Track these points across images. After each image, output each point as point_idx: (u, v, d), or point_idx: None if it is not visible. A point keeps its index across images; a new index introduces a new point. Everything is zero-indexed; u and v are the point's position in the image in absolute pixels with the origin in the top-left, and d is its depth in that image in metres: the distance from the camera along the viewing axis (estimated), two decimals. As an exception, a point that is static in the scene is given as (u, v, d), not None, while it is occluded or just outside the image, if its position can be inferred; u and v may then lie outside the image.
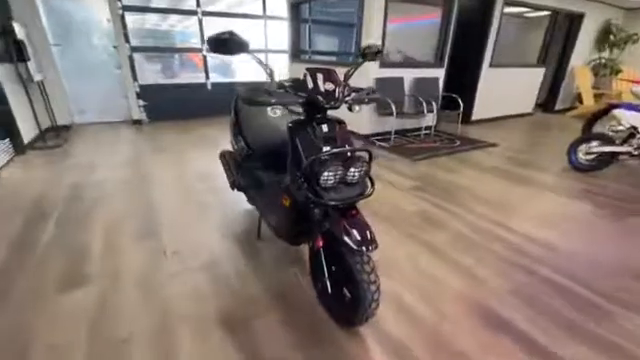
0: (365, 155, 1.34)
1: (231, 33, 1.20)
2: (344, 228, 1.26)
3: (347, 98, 1.42)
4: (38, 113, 4.11)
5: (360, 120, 4.61)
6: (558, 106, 7.29)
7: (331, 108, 1.34)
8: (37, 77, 4.02)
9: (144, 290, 1.68)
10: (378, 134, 4.63)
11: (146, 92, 5.33)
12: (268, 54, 6.28)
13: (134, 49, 5.07)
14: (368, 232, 1.27)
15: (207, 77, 5.81)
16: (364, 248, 1.22)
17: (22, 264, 1.87)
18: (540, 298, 1.69)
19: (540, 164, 3.80)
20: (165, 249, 2.03)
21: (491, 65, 5.55)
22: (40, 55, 4.35)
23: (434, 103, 4.50)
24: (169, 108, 5.56)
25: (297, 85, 1.35)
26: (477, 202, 2.75)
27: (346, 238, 1.23)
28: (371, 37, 4.11)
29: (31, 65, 3.83)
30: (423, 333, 1.47)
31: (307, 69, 1.33)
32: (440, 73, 4.96)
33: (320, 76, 1.32)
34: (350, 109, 1.49)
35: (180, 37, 5.83)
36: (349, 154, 1.33)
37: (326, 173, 1.23)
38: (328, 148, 1.32)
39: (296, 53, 6.18)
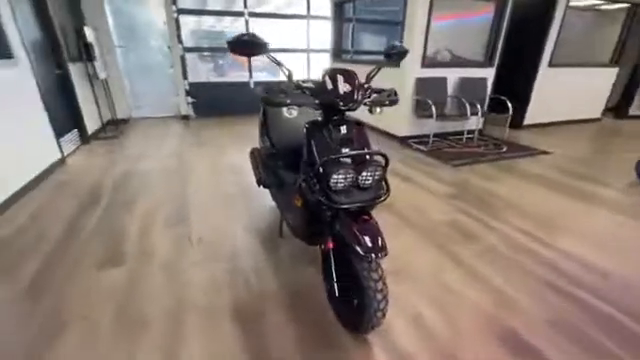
0: (380, 159, 1.30)
1: (251, 35, 1.23)
2: (353, 233, 1.23)
3: (366, 100, 1.38)
4: (101, 107, 4.58)
5: (397, 121, 4.48)
6: (633, 111, 6.41)
7: (348, 110, 1.31)
8: (102, 75, 4.49)
9: (168, 274, 1.79)
10: (416, 136, 4.45)
11: (194, 90, 5.69)
12: (310, 54, 6.34)
13: (186, 49, 5.43)
14: (379, 239, 1.23)
15: (250, 76, 6.03)
16: (373, 255, 1.18)
17: (72, 242, 2.10)
18: (581, 329, 1.50)
19: (600, 177, 3.37)
20: (191, 236, 2.15)
21: (551, 64, 5.04)
22: (105, 56, 4.85)
23: (479, 105, 4.21)
24: (215, 105, 5.88)
25: (316, 86, 1.34)
26: (518, 215, 2.52)
27: (354, 243, 1.20)
28: (414, 35, 3.96)
29: (97, 64, 4.29)
30: (434, 349, 1.38)
31: (326, 70, 1.32)
32: (489, 73, 4.62)
33: (339, 78, 1.30)
34: (371, 111, 1.45)
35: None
36: (365, 157, 1.29)
37: (335, 176, 1.20)
38: (345, 150, 1.29)
39: (338, 53, 6.17)
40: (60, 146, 3.38)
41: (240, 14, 5.63)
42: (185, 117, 5.73)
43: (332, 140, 1.32)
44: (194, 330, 1.45)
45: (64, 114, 3.73)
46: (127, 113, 5.48)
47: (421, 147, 4.19)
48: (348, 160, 1.26)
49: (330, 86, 1.29)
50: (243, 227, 2.29)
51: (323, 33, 6.17)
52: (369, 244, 1.20)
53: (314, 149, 1.32)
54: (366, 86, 1.40)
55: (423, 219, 2.44)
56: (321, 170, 1.24)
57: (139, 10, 5.41)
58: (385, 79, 4.71)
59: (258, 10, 5.80)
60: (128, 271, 1.82)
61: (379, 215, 2.37)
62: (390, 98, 1.47)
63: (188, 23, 5.36)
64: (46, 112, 3.15)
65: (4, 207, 2.45)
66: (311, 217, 1.47)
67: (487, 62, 4.59)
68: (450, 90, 4.44)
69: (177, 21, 5.21)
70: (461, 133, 4.51)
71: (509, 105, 4.40)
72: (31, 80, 3.00)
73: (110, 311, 1.54)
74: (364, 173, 1.24)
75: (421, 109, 4.21)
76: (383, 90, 1.51)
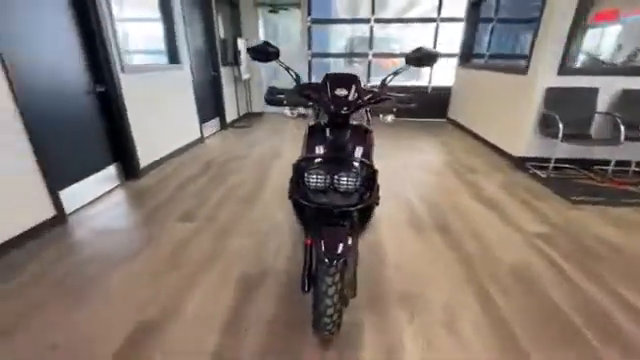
0: (357, 167, 1.25)
1: (265, 43, 1.41)
2: (319, 233, 1.26)
3: (367, 106, 1.35)
4: (240, 102, 5.73)
5: (513, 137, 3.76)
6: None
7: (340, 114, 1.32)
8: (245, 77, 5.60)
9: (216, 238, 2.21)
10: (538, 159, 3.62)
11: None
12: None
13: (313, 55, 6.08)
14: (340, 245, 1.21)
15: (368, 80, 6.20)
16: (326, 259, 1.19)
17: (177, 195, 2.83)
18: None
19: None
20: (251, 211, 2.55)
21: None
22: (250, 61, 5.98)
23: (647, 128, 3.05)
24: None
25: (317, 88, 1.40)
26: (635, 282, 1.79)
27: (317, 243, 1.23)
28: (549, 33, 3.22)
29: (242, 68, 5.38)
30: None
31: (327, 74, 1.37)
32: (681, 85, 3.26)
33: (336, 81, 1.33)
34: (379, 117, 1.40)
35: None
36: (345, 161, 1.28)
37: (307, 174, 1.25)
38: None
39: (467, 57, 5.58)
40: (202, 129, 4.47)
41: (366, 21, 5.86)
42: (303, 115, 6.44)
43: (325, 141, 1.36)
44: (210, 285, 1.77)
45: (210, 105, 4.89)
46: (261, 108, 6.61)
47: (540, 173, 3.40)
48: (327, 162, 1.28)
49: (327, 89, 1.33)
50: (284, 211, 2.52)
51: (449, 36, 5.70)
52: (329, 247, 1.20)
53: (306, 148, 1.39)
54: (369, 91, 1.37)
55: (484, 254, 2.06)
56: (297, 167, 1.31)
57: (285, 22, 6.39)
58: (503, 86, 4.03)
59: (385, 16, 5.89)
60: (194, 228, 2.34)
61: (428, 236, 2.14)
62: (401, 105, 1.37)
63: (345, 32, 5.90)
64: (196, 102, 4.24)
65: (160, 162, 3.53)
66: (300, 213, 1.54)
67: (679, 69, 3.24)
68: (601, 105, 3.38)
69: (309, 30, 5.89)
70: (608, 162, 3.38)
71: None
72: (189, 79, 4.10)
73: (169, 251, 2.06)
74: (336, 176, 1.23)
75: (549, 126, 3.40)
76: (394, 96, 1.42)
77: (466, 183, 3.19)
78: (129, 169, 3.11)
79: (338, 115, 1.35)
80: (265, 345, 1.40)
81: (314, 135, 1.41)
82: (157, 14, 3.56)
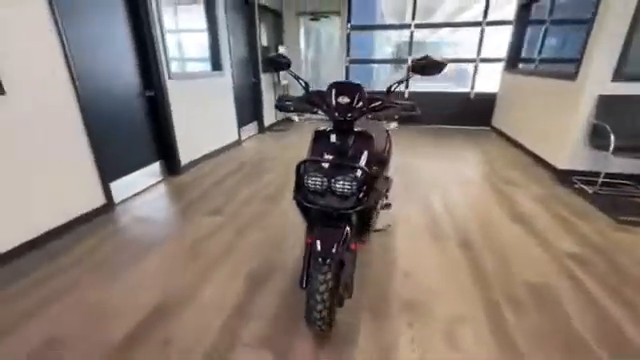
0: (358, 173, 1.30)
1: (278, 55, 1.53)
2: (315, 233, 1.32)
3: (370, 114, 1.39)
4: (279, 106, 5.98)
5: (557, 148, 3.47)
6: None
7: (343, 120, 1.38)
8: (284, 82, 5.84)
9: (238, 232, 2.37)
10: (586, 173, 3.30)
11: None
12: (479, 64, 5.70)
13: (351, 61, 6.15)
14: (334, 245, 1.26)
15: (407, 87, 6.11)
16: (320, 258, 1.25)
17: (210, 191, 3.06)
18: None
19: None
20: (274, 209, 2.68)
21: None
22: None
23: None
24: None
25: (323, 96, 1.47)
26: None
27: (313, 242, 1.29)
28: (606, 37, 2.94)
29: (281, 74, 5.63)
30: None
31: (332, 82, 1.43)
32: None
33: (340, 89, 1.39)
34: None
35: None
36: (344, 166, 1.33)
37: (307, 176, 1.32)
38: (330, 157, 1.38)
39: (514, 62, 5.26)
40: (240, 132, 4.76)
41: (406, 26, 5.79)
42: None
43: (328, 146, 1.42)
44: (221, 278, 1.92)
45: (249, 109, 5.18)
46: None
47: (587, 188, 3.10)
48: (326, 165, 1.34)
49: (331, 97, 1.39)
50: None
51: (494, 41, 5.41)
52: (323, 247, 1.26)
53: (310, 152, 1.47)
54: (373, 99, 1.41)
55: (500, 270, 1.96)
56: (301, 170, 1.38)
57: (325, 29, 6.55)
58: (549, 93, 3.73)
59: (434, 20, 5.78)
60: (220, 221, 2.53)
61: (446, 246, 2.08)
62: (404, 113, 1.39)
63: (393, 37, 5.92)
64: (235, 107, 4.54)
65: (199, 161, 3.84)
66: (304, 214, 1.60)
67: None
68: (667, 115, 3.00)
69: (348, 36, 5.98)
70: (674, 181, 2.97)
71: None
72: (230, 85, 4.41)
73: (192, 240, 2.26)
74: (333, 180, 1.29)
75: (600, 138, 3.09)
76: (400, 103, 1.44)
77: (500, 195, 3.02)
78: (171, 166, 3.43)
79: (341, 121, 1.42)
80: (263, 335, 1.49)
81: (318, 140, 1.48)
82: (203, 25, 3.90)
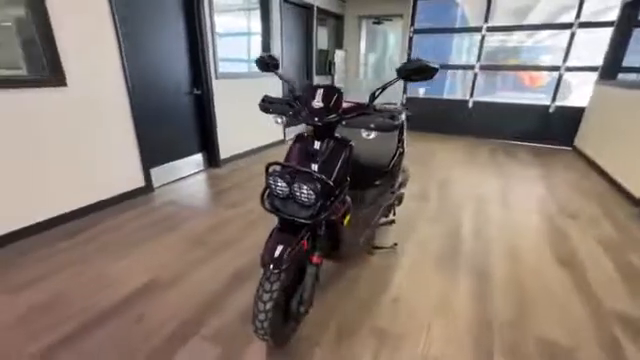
0: (317, 183, 1.21)
1: (269, 56, 1.53)
2: (270, 238, 1.28)
3: (344, 120, 1.29)
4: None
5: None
6: None
7: (320, 126, 1.32)
8: (337, 85, 5.83)
9: (248, 226, 2.44)
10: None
11: (410, 104, 6.03)
12: (565, 72, 4.87)
13: (411, 66, 5.84)
14: (282, 253, 1.20)
15: (471, 95, 5.54)
16: (266, 265, 1.21)
17: (233, 187, 3.23)
18: None
19: None
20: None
21: None
22: (347, 71, 6.18)
23: None
24: (424, 120, 5.95)
25: (302, 99, 1.41)
26: None
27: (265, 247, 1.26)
28: None
29: (335, 77, 5.63)
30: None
31: (310, 85, 1.37)
32: None
33: (316, 92, 1.32)
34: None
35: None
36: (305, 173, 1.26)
37: (270, 180, 1.29)
38: (309, 163, 1.33)
39: (612, 71, 4.36)
40: (285, 132, 4.91)
41: (477, 29, 5.26)
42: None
43: (299, 152, 1.37)
44: (224, 254, 2.00)
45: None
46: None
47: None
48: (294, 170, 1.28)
49: (307, 100, 1.33)
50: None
51: (584, 46, 4.54)
52: (269, 253, 1.21)
53: (285, 155, 1.43)
54: (353, 106, 1.31)
55: (514, 319, 1.63)
56: (266, 173, 1.35)
57: (388, 32, 6.35)
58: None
59: (505, 23, 5.16)
60: (233, 215, 2.64)
61: (455, 276, 1.88)
62: (380, 122, 1.26)
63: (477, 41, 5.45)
64: (283, 107, 4.70)
65: (237, 157, 4.08)
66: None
67: None
68: None
69: (410, 40, 5.68)
70: None
71: None
72: (279, 86, 4.57)
73: (204, 228, 2.40)
74: (294, 186, 1.23)
75: None
76: (382, 111, 1.31)
77: (554, 229, 2.53)
78: (212, 158, 3.72)
79: (318, 127, 1.35)
80: (224, 331, 1.50)
81: (295, 144, 1.43)
82: (255, 28, 4.12)
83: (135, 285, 1.79)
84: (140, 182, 2.89)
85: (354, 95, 6.49)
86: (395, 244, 2.20)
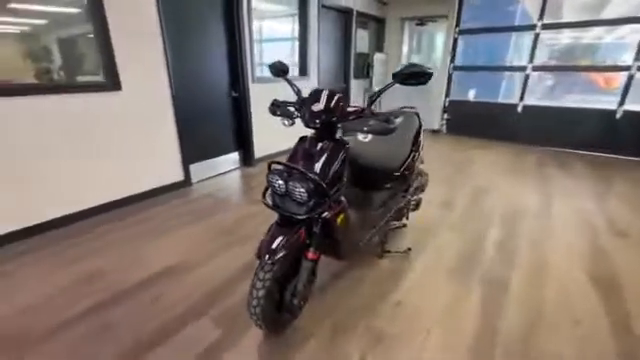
0: (309, 184, 1.28)
1: (279, 62, 1.64)
2: (268, 232, 1.37)
3: (339, 123, 1.34)
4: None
5: None
6: None
7: (319, 128, 1.38)
8: (376, 88, 5.78)
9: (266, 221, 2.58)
10: None
11: (452, 107, 5.78)
12: (637, 72, 4.31)
13: (455, 68, 5.59)
14: (276, 247, 1.29)
15: (521, 98, 5.14)
16: (260, 256, 1.30)
17: (260, 185, 3.39)
18: None
19: None
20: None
21: None
22: (385, 73, 6.09)
23: None
24: (469, 124, 5.65)
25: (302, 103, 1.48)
26: None
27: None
28: None
29: (374, 81, 5.61)
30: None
31: (315, 89, 1.44)
32: None
33: (316, 96, 1.39)
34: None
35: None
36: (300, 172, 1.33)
37: (270, 176, 1.38)
38: (301, 162, 1.40)
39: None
40: (320, 133, 5.02)
41: (530, 27, 4.87)
42: (435, 131, 6.01)
43: (299, 152, 1.44)
44: (244, 245, 2.16)
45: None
46: (393, 120, 6.62)
47: None
48: (291, 169, 1.36)
49: (307, 104, 1.41)
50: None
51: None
52: (265, 245, 1.31)
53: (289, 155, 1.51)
54: (353, 109, 1.36)
55: (522, 338, 1.53)
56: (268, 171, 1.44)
57: (432, 34, 6.15)
58: None
59: (574, 19, 4.70)
60: (256, 211, 2.80)
61: (466, 285, 1.92)
62: (373, 126, 1.28)
63: (544, 40, 5.02)
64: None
65: (271, 157, 4.23)
66: None
67: None
68: None
69: (455, 41, 5.45)
70: None
71: None
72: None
73: (232, 220, 2.58)
74: (289, 184, 1.31)
75: None
76: (379, 115, 1.33)
77: (591, 244, 2.29)
78: (246, 157, 3.95)
79: (317, 129, 1.41)
80: (229, 313, 1.63)
81: (297, 145, 1.50)
82: (292, 33, 4.29)
83: (161, 266, 2.01)
84: (180, 176, 3.19)
85: (390, 98, 6.37)
86: (409, 249, 2.16)
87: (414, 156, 2.06)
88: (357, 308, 1.69)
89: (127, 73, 2.60)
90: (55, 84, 2.32)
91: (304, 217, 1.32)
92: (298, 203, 1.33)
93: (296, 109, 1.52)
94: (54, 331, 1.52)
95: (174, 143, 3.07)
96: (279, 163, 1.40)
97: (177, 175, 3.18)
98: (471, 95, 5.73)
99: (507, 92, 5.52)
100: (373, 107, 1.44)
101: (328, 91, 1.39)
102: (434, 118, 5.94)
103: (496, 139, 5.40)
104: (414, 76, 1.27)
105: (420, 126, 2.22)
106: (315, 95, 1.41)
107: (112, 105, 2.57)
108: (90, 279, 1.90)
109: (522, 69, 5.07)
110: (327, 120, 1.35)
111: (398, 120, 1.33)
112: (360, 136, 1.34)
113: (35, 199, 2.31)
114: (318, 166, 1.37)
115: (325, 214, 1.38)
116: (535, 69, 4.97)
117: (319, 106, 1.37)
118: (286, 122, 1.60)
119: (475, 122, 5.60)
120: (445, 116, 5.89)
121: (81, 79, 2.48)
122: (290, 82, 1.68)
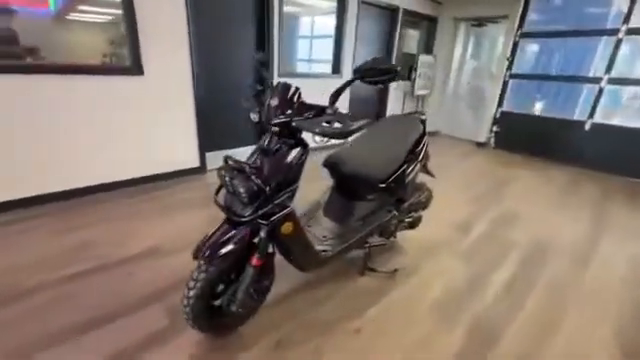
0: (252, 183, 1.18)
1: (263, 54, 1.54)
2: (213, 231, 1.31)
3: (293, 122, 1.22)
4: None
5: None
6: None
7: (266, 123, 1.28)
8: (419, 92, 5.42)
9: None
10: None
11: (504, 119, 5.17)
12: None
13: (512, 76, 4.97)
14: (214, 246, 1.22)
15: (590, 115, 4.38)
16: (197, 255, 1.24)
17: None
18: None
19: None
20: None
21: None
22: (432, 77, 5.65)
23: None
24: (522, 140, 5.01)
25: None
26: None
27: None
28: None
29: (416, 84, 5.25)
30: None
31: (280, 82, 1.33)
32: None
33: (275, 91, 1.28)
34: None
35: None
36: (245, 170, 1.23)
37: (222, 173, 1.31)
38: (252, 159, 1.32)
39: None
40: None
41: (607, 32, 4.12)
42: (481, 144, 5.43)
43: (258, 148, 1.35)
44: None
45: (366, 112, 5.13)
46: (437, 127, 6.14)
47: None
48: (240, 167, 1.27)
49: (268, 98, 1.30)
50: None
51: None
52: (203, 244, 1.25)
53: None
54: (311, 107, 1.23)
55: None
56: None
57: (490, 36, 5.55)
58: None
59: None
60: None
61: (443, 336, 1.72)
62: (324, 128, 1.14)
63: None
64: (349, 109, 4.64)
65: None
66: None
67: None
68: None
69: (515, 45, 4.84)
70: None
71: None
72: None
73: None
74: (234, 182, 1.23)
75: None
76: (342, 115, 1.19)
77: (633, 301, 1.84)
78: (267, 151, 3.96)
79: (274, 124, 1.30)
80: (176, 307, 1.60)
81: (259, 141, 1.41)
82: (326, 30, 4.17)
83: (148, 246, 2.07)
84: (195, 163, 3.30)
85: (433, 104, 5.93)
86: (396, 270, 1.94)
87: (409, 168, 1.83)
88: (314, 325, 1.55)
89: (151, 61, 2.73)
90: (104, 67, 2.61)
91: (247, 219, 1.22)
92: (243, 203, 1.24)
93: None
94: (22, 294, 1.63)
95: (192, 130, 3.18)
96: (230, 159, 1.32)
97: (193, 162, 3.29)
98: (537, 107, 5.03)
99: (569, 105, 4.72)
100: (337, 106, 1.29)
101: (287, 85, 1.28)
102: (481, 130, 5.38)
103: (552, 159, 4.70)
104: (377, 72, 1.10)
105: (424, 134, 1.97)
106: (274, 89, 1.31)
107: (134, 89, 2.73)
108: (79, 249, 2.02)
109: (596, 81, 4.31)
110: (280, 118, 1.23)
111: (361, 122, 1.16)
112: (316, 138, 1.21)
113: (50, 169, 2.50)
114: (267, 167, 1.26)
115: (272, 219, 1.27)
116: (611, 81, 4.19)
117: (274, 101, 1.26)
118: (254, 116, 1.51)
119: (529, 138, 4.93)
120: (494, 128, 5.29)
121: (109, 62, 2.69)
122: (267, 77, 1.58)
